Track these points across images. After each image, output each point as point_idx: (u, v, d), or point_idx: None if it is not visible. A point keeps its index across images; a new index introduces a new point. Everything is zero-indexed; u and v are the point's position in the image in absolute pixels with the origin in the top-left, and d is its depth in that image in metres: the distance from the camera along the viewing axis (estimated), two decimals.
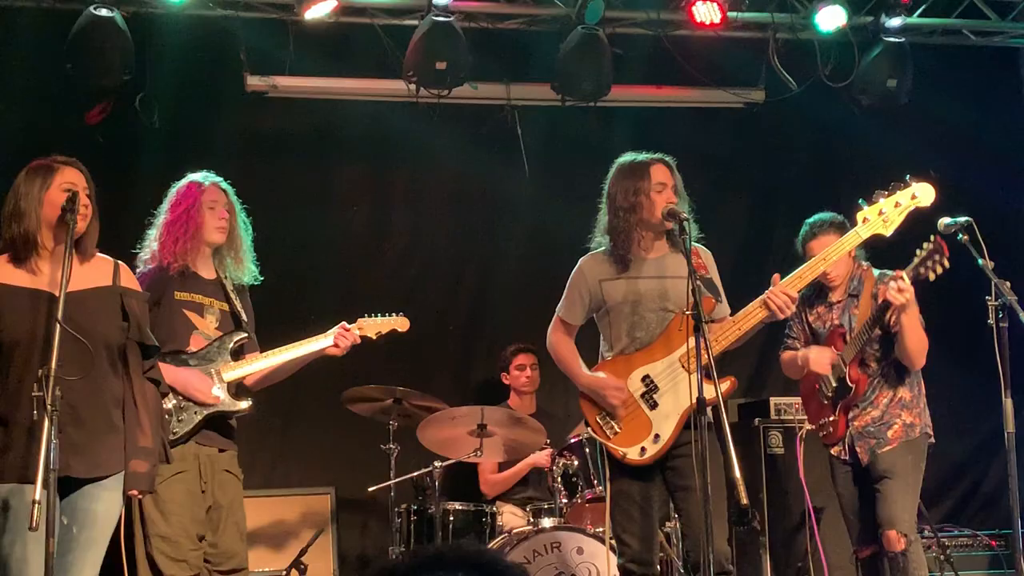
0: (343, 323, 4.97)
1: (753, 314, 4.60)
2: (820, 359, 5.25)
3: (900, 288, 4.90)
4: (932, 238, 4.91)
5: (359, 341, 4.99)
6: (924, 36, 7.43)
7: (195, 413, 4.66)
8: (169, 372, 4.55)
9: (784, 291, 4.58)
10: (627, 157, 4.81)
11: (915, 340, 5.07)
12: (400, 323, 5.15)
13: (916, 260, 4.95)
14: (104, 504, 4.00)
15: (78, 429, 3.94)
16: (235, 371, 4.78)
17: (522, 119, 7.28)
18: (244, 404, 4.78)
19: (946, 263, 4.91)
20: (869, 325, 5.09)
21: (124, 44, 6.28)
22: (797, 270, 4.72)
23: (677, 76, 7.33)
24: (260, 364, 4.85)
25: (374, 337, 5.08)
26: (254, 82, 6.94)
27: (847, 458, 5.24)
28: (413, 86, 6.78)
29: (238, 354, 4.84)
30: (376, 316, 5.09)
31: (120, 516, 4.11)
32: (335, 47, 7.00)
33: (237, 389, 4.84)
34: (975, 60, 7.70)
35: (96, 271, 4.12)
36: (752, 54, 7.34)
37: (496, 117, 7.27)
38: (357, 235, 7.29)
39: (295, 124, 7.14)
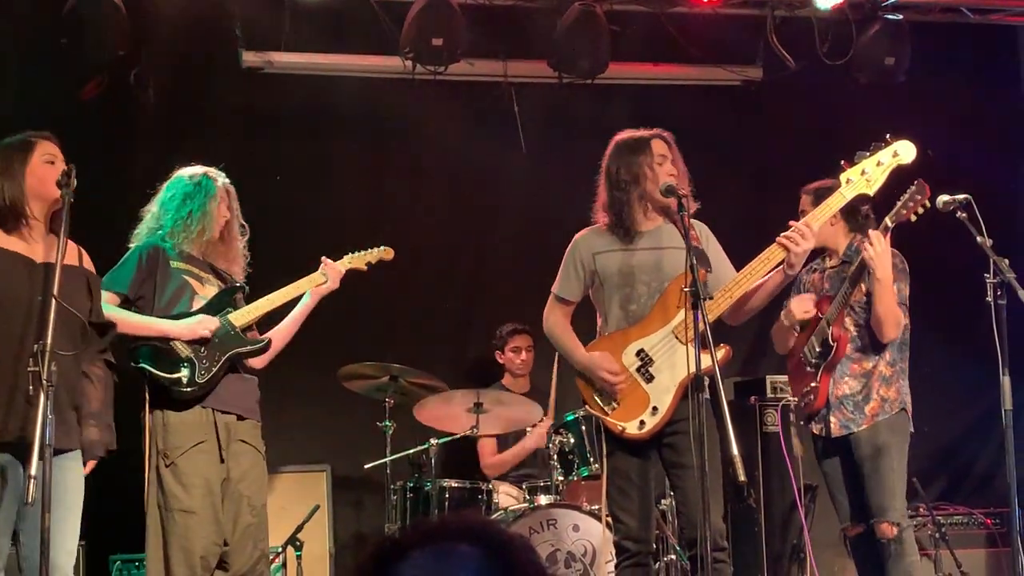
0: (324, 258, 5.03)
1: (770, 258, 4.57)
2: (799, 303, 5.20)
3: (871, 242, 4.88)
4: (915, 181, 4.88)
5: (343, 272, 5.04)
6: (922, 13, 7.39)
7: (216, 359, 4.63)
8: (166, 326, 4.55)
9: (806, 222, 4.57)
10: (626, 133, 4.82)
11: (884, 305, 5.00)
12: (386, 253, 5.25)
13: (899, 203, 4.92)
14: (72, 474, 4.05)
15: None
16: (244, 316, 4.77)
17: (519, 96, 7.24)
18: (264, 338, 4.80)
19: (927, 203, 4.88)
20: (850, 283, 5.07)
21: (119, 19, 6.24)
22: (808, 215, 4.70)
23: (675, 53, 7.30)
24: (263, 308, 4.85)
25: (365, 268, 5.16)
26: (250, 58, 6.91)
27: (826, 434, 5.21)
28: (409, 63, 6.75)
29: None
30: (361, 252, 5.16)
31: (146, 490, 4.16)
32: (331, 23, 6.96)
33: None
34: (973, 38, 7.66)
35: (67, 250, 4.16)
36: (750, 32, 7.31)
37: (493, 94, 7.22)
38: (353, 211, 7.26)
39: (291, 100, 7.09)
